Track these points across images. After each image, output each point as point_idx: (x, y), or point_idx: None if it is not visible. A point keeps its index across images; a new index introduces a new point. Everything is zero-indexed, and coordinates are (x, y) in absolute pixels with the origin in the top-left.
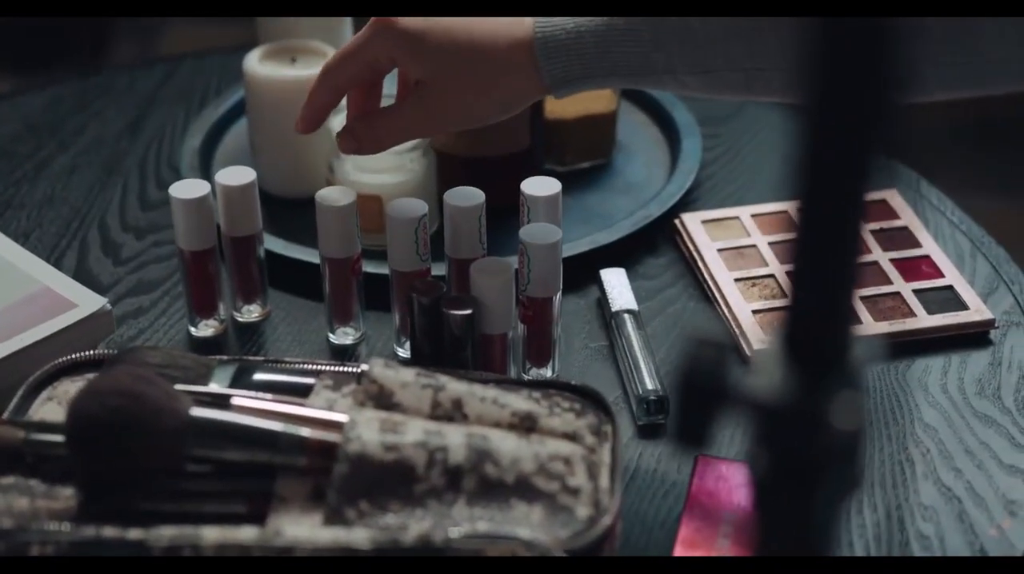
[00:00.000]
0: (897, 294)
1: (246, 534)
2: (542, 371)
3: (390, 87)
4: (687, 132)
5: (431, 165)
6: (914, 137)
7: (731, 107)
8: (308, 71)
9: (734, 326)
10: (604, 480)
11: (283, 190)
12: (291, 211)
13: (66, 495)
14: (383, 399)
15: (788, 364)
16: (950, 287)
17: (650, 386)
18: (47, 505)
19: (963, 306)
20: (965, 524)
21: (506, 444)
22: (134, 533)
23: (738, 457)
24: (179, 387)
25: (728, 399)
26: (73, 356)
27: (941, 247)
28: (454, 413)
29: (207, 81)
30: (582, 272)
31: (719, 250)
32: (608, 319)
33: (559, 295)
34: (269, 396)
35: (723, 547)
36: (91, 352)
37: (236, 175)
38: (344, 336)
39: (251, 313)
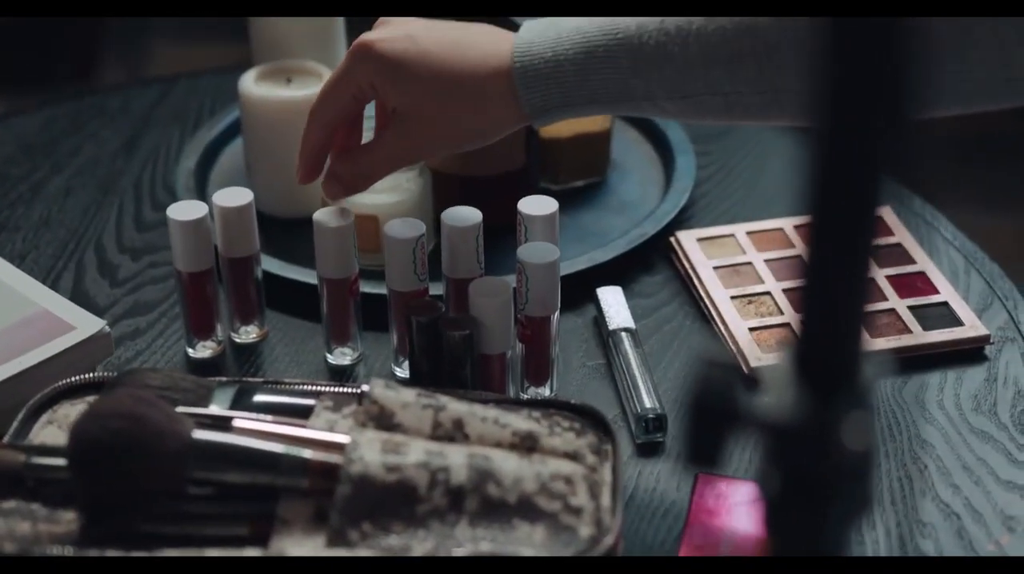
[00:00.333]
0: (892, 311)
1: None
2: (540, 390)
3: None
4: (680, 150)
5: (427, 185)
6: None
7: (723, 125)
8: (303, 92)
9: (731, 344)
10: (606, 499)
11: (279, 210)
12: (287, 231)
13: (68, 519)
14: (384, 420)
15: (798, 384)
16: (945, 303)
17: (648, 404)
18: (49, 529)
19: (958, 322)
20: (964, 540)
21: (508, 464)
22: (136, 556)
23: (742, 475)
24: (180, 409)
25: (738, 419)
26: (73, 379)
27: (935, 263)
28: (455, 433)
29: (201, 101)
30: (578, 290)
31: (715, 268)
32: (605, 337)
33: (557, 314)
34: (270, 418)
35: None
36: (91, 375)
37: (233, 196)
38: (342, 356)
39: (249, 334)
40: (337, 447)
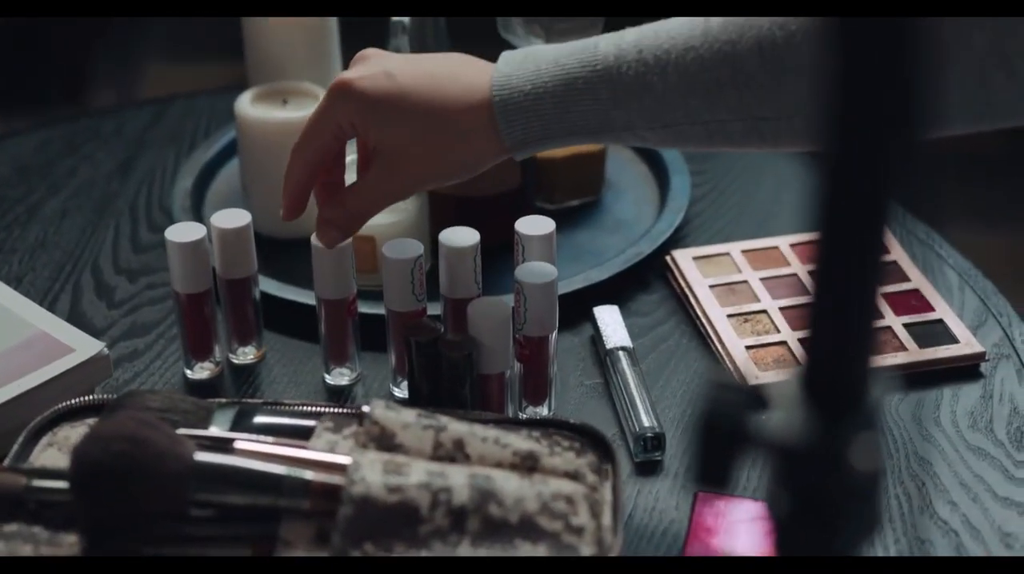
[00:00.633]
0: (888, 328)
1: None
2: (538, 409)
3: None
4: (675, 169)
5: (424, 205)
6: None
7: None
8: (299, 113)
9: (728, 362)
10: (607, 518)
11: (275, 231)
12: (283, 252)
13: (69, 542)
14: (385, 441)
15: (807, 404)
16: (940, 321)
17: (647, 423)
18: (51, 552)
19: (953, 339)
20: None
21: (509, 484)
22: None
23: (744, 494)
24: (181, 431)
25: (747, 440)
26: (73, 401)
27: (930, 281)
28: (456, 454)
29: (196, 122)
30: (575, 310)
31: (711, 286)
32: (603, 356)
33: (555, 333)
34: (271, 439)
35: None
36: (91, 397)
37: (231, 218)
38: (340, 377)
39: (246, 355)
40: (339, 468)
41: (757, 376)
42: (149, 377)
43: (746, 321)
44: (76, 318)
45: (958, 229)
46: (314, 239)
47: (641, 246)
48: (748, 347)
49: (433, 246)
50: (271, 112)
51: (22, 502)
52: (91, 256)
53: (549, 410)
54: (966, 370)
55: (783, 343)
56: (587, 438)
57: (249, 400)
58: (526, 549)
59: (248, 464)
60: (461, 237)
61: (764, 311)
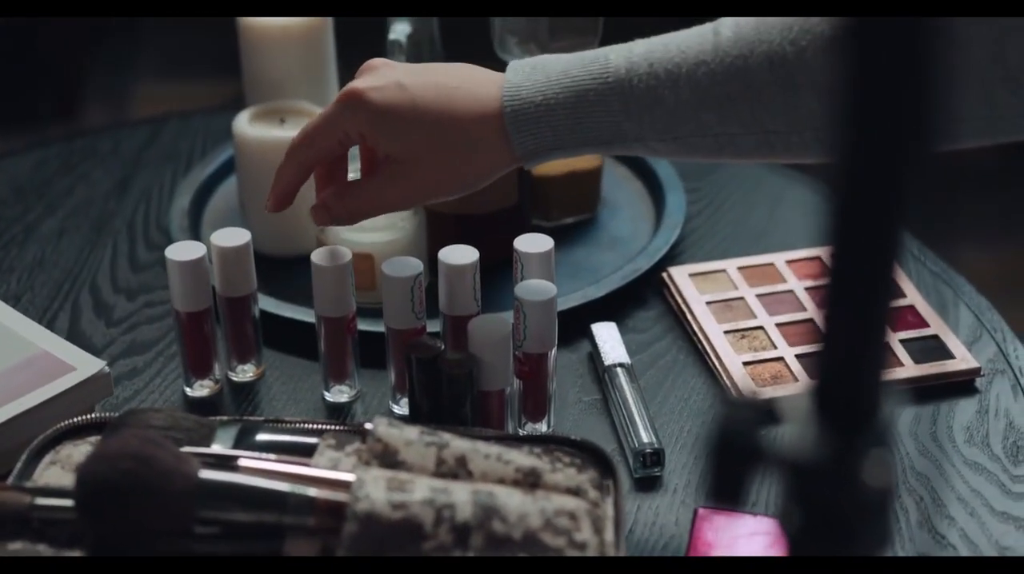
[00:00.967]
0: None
1: None
2: (537, 426)
3: None
4: (670, 186)
5: (421, 223)
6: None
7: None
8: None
9: (725, 378)
10: (609, 534)
11: (273, 249)
12: (281, 270)
13: None
14: (388, 457)
15: (819, 422)
16: (935, 336)
17: (646, 439)
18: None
19: (949, 355)
20: None
21: (512, 500)
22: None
23: (748, 510)
24: (186, 449)
25: (760, 457)
26: (75, 420)
27: (924, 297)
28: (458, 470)
29: (192, 141)
30: (572, 326)
31: (707, 303)
32: (601, 373)
33: (554, 350)
34: (274, 456)
35: None
36: (93, 415)
37: (231, 236)
38: (339, 394)
39: (246, 373)
40: (343, 485)
41: (755, 392)
42: (149, 395)
43: (743, 337)
44: (75, 337)
45: (951, 245)
46: (314, 257)
47: (638, 263)
48: (745, 363)
49: (431, 264)
50: (269, 131)
51: (27, 520)
52: (89, 275)
53: (548, 426)
54: (962, 385)
55: (780, 359)
56: (588, 454)
57: (251, 418)
58: None
59: (252, 481)
60: (460, 255)
61: (761, 327)
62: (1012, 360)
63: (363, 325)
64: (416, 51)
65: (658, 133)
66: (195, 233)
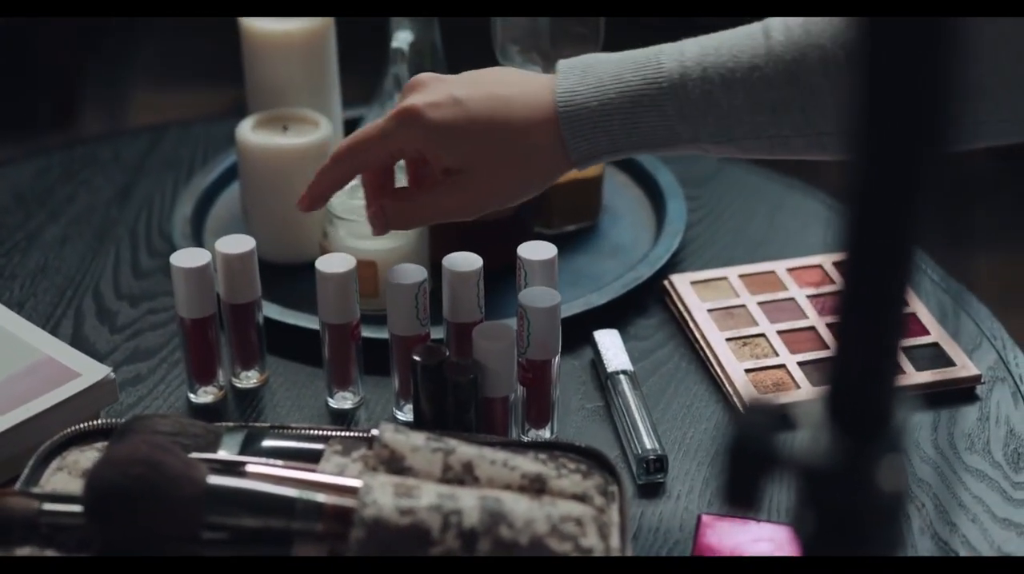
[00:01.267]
0: None
1: None
2: (541, 433)
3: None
4: (671, 194)
5: (424, 230)
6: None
7: (711, 169)
8: (300, 139)
9: (727, 385)
10: (615, 540)
11: (276, 256)
12: (283, 277)
13: None
14: (394, 463)
15: (833, 427)
16: (936, 344)
17: (649, 445)
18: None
19: (950, 362)
20: None
21: (519, 506)
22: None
23: (755, 516)
24: (194, 455)
25: (776, 463)
26: (82, 426)
27: (925, 304)
28: (465, 476)
29: (193, 149)
30: (575, 334)
31: (709, 310)
32: (604, 380)
33: (558, 357)
34: (281, 462)
35: None
36: (100, 421)
37: (236, 243)
38: (343, 400)
39: (250, 379)
40: (350, 491)
41: (757, 398)
42: (153, 401)
43: (745, 344)
44: (79, 343)
45: (951, 253)
46: (318, 264)
47: (640, 270)
48: (747, 370)
49: (433, 271)
50: (272, 139)
51: (35, 526)
52: (92, 282)
53: (551, 433)
54: (962, 393)
55: (782, 366)
56: (593, 461)
57: (257, 424)
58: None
59: (261, 487)
60: (464, 262)
61: (762, 335)
62: (1012, 368)
63: (366, 332)
64: (418, 59)
65: (712, 136)
66: (198, 240)
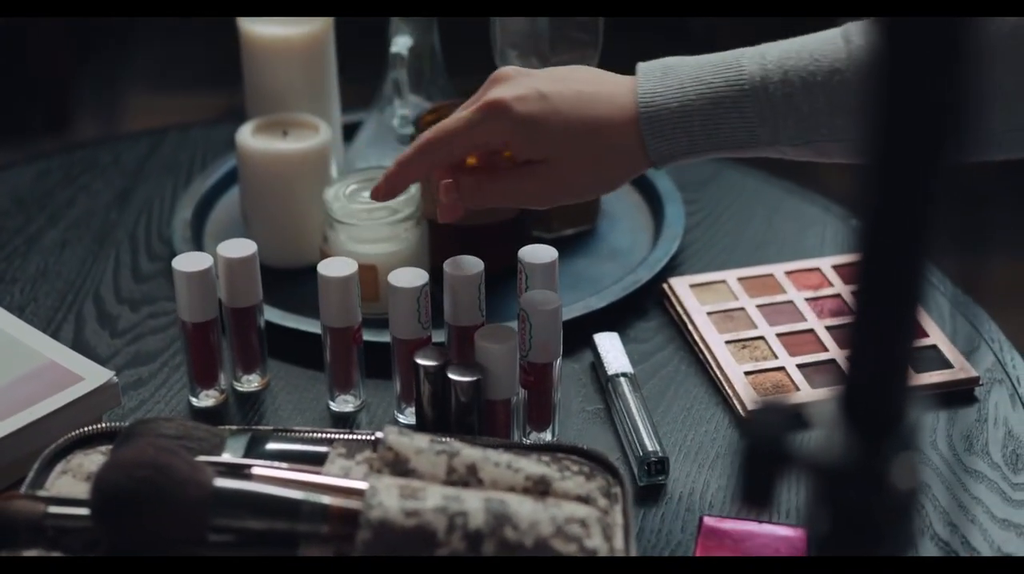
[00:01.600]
0: None
1: None
2: (542, 435)
3: None
4: (669, 198)
5: (424, 234)
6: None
7: (708, 173)
8: (300, 144)
9: (727, 388)
10: (619, 542)
11: (276, 260)
12: (284, 281)
13: None
14: (399, 466)
15: (847, 426)
16: (934, 346)
17: (650, 447)
18: None
19: (948, 364)
20: None
21: (524, 508)
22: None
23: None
24: (200, 458)
25: (790, 463)
26: (86, 429)
27: (922, 307)
28: (469, 478)
29: (192, 153)
30: (575, 337)
31: (708, 313)
32: (604, 382)
33: (559, 360)
34: (285, 465)
35: None
36: (104, 425)
37: (237, 247)
38: (344, 404)
39: (251, 383)
40: (356, 493)
41: (756, 401)
42: (155, 405)
43: (744, 347)
44: (80, 347)
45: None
46: (320, 268)
47: (639, 273)
48: (747, 373)
49: (433, 274)
50: (272, 143)
51: (41, 529)
52: (92, 286)
53: (553, 436)
54: (960, 395)
55: (781, 369)
56: (595, 462)
57: (260, 427)
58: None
59: (266, 490)
60: (466, 265)
61: (762, 337)
62: (1010, 370)
63: (368, 335)
64: (417, 63)
65: (791, 139)
66: (197, 244)
